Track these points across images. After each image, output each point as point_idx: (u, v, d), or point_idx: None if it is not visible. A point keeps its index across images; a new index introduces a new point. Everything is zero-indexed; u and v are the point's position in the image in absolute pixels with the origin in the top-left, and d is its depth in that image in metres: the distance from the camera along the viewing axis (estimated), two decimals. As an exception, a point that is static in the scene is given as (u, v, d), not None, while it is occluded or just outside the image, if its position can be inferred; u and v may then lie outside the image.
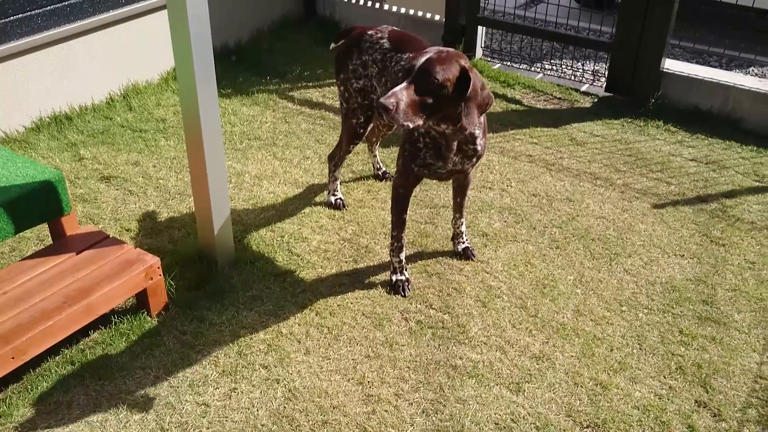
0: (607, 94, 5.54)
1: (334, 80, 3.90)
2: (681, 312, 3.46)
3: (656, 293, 3.57)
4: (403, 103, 2.78)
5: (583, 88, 5.73)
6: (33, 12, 4.62)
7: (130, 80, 5.42)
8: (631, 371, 3.11)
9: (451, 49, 2.93)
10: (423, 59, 2.83)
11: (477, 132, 3.15)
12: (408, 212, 3.87)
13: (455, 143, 3.16)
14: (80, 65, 5.05)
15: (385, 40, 3.56)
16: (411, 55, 2.98)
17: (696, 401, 2.98)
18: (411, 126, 2.84)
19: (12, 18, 4.52)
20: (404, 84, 2.82)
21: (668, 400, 2.98)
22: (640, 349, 3.24)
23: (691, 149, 4.87)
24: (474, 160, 3.32)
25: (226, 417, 2.87)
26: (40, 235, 3.85)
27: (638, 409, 2.93)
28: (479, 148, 3.25)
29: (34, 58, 4.74)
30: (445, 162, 3.24)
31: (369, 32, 3.64)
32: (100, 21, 5.04)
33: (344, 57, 3.71)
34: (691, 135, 5.04)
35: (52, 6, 4.72)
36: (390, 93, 2.79)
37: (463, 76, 2.86)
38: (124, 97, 5.31)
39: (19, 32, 4.60)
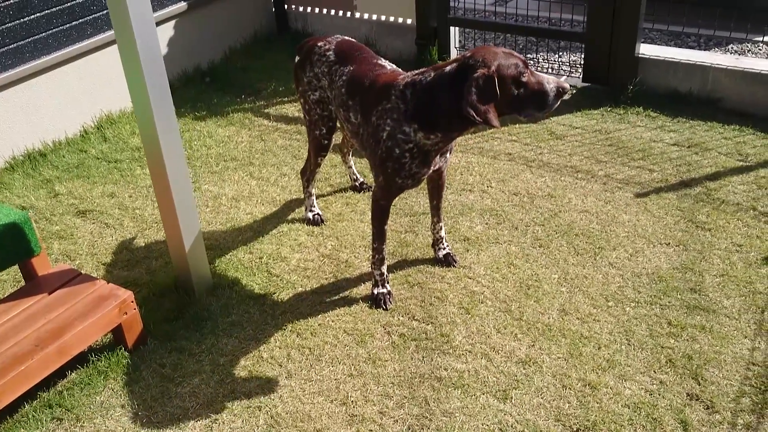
0: (585, 84, 5.47)
1: (297, 94, 3.87)
2: (669, 302, 3.38)
3: (643, 285, 3.50)
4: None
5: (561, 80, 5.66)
6: (-4, 51, 4.59)
7: (103, 111, 5.38)
8: (620, 368, 3.04)
9: (488, 51, 2.92)
10: (517, 60, 2.89)
11: None
12: (388, 223, 3.80)
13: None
14: (51, 100, 5.00)
15: (331, 52, 3.52)
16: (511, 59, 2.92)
17: (688, 395, 2.91)
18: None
19: (-26, 59, 4.50)
20: (538, 73, 2.96)
21: (659, 395, 2.91)
22: (629, 344, 3.17)
23: (672, 134, 4.80)
24: (447, 155, 3.36)
25: (208, 450, 2.81)
26: (16, 276, 3.80)
27: (629, 408, 2.86)
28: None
29: (2, 97, 4.70)
30: (429, 167, 3.22)
31: (319, 44, 3.60)
32: (67, 54, 5.00)
33: (299, 70, 3.68)
34: (672, 119, 4.97)
35: (16, 44, 4.68)
36: (551, 79, 2.93)
37: None
38: (98, 129, 5.27)
39: (-16, 73, 4.57)
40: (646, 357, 3.10)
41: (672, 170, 4.39)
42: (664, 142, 4.71)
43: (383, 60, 3.43)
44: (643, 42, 5.28)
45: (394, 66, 3.40)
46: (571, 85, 5.51)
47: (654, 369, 3.03)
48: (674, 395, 2.90)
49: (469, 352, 3.17)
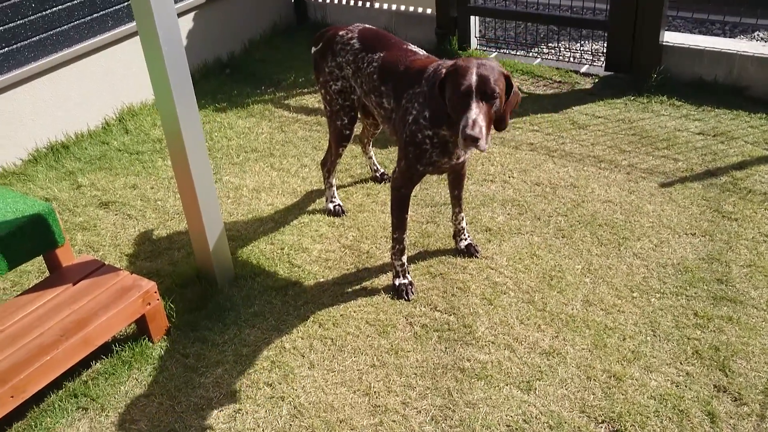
0: (608, 73, 5.40)
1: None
2: (695, 293, 3.34)
3: (668, 276, 3.45)
4: (484, 128, 2.75)
5: (583, 69, 5.60)
6: (19, 44, 4.61)
7: (125, 103, 5.40)
8: (646, 360, 3.00)
9: (475, 60, 2.85)
10: (474, 78, 2.75)
11: None
12: (408, 213, 3.80)
13: None
14: (73, 92, 5.03)
15: (355, 40, 3.51)
16: (460, 72, 2.81)
17: (715, 386, 2.87)
18: (487, 148, 2.80)
19: (-2, 53, 4.53)
20: (475, 108, 2.75)
21: (686, 387, 2.87)
22: (654, 335, 3.13)
23: (697, 122, 4.73)
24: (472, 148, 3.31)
25: (232, 440, 2.82)
26: (41, 267, 3.83)
27: (655, 399, 2.82)
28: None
29: (25, 90, 4.74)
30: (450, 158, 3.20)
31: (341, 33, 3.59)
32: (88, 47, 5.02)
33: (320, 60, 3.67)
34: (696, 108, 4.89)
35: (38, 36, 4.71)
36: (471, 122, 2.71)
37: (509, 83, 2.90)
38: (119, 121, 5.30)
39: (7, 66, 4.59)
40: (672, 348, 3.06)
41: (697, 159, 4.33)
42: (689, 131, 4.64)
43: (413, 45, 3.42)
44: (667, 29, 5.20)
45: (425, 51, 3.39)
46: (592, 74, 5.48)
47: (680, 360, 2.99)
48: (701, 387, 2.87)
49: (492, 343, 3.15)
